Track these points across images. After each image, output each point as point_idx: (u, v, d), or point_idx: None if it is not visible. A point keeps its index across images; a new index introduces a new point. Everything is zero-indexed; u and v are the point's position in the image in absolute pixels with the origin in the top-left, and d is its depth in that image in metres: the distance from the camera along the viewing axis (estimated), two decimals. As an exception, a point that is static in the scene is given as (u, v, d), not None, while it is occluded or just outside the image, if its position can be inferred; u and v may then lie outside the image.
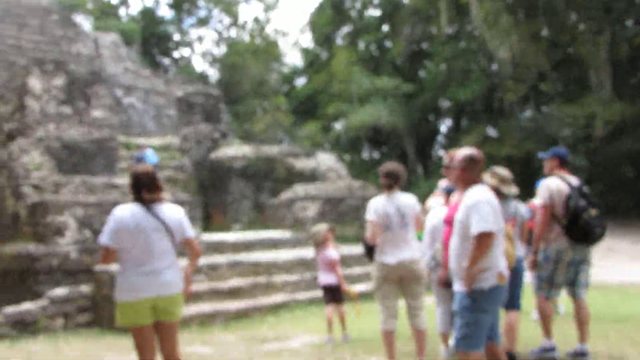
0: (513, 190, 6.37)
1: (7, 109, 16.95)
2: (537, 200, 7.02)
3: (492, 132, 35.38)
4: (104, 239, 4.89)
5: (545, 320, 6.86)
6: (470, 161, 4.86)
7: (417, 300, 6.41)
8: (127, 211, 4.90)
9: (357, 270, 12.91)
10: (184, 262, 5.26)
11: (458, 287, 4.71)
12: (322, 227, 8.94)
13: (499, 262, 4.66)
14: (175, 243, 4.99)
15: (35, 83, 16.22)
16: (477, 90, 34.66)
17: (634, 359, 6.67)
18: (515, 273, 5.91)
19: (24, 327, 9.81)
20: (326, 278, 8.62)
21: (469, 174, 4.85)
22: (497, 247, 4.63)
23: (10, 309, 9.89)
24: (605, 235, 6.78)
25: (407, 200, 6.35)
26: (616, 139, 27.85)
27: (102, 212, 11.75)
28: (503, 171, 6.40)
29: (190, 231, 5.13)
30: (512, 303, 6.19)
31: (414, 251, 6.31)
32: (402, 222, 6.21)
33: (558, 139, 28.98)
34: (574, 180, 6.81)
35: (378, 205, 6.30)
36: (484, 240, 4.45)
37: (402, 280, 6.34)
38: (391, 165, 6.49)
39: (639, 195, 28.14)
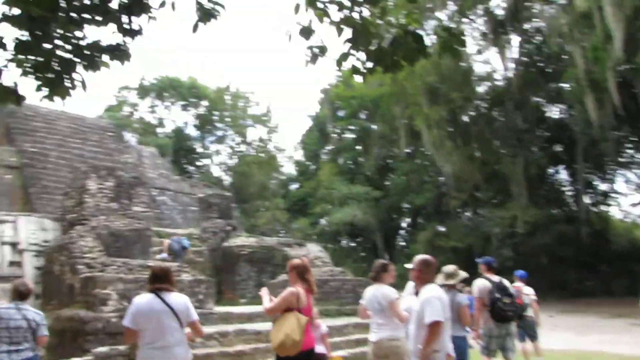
0: (458, 278, 6.66)
1: (70, 203, 16.96)
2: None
3: (441, 228, 35.57)
4: (125, 321, 4.78)
5: None
6: (424, 264, 4.93)
7: None
8: (144, 299, 4.78)
9: (336, 338, 12.66)
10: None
11: None
12: (314, 310, 8.62)
13: (447, 345, 4.64)
14: (182, 324, 4.80)
15: (92, 184, 16.35)
16: (429, 197, 35.37)
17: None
18: (460, 349, 5.98)
19: (74, 378, 9.52)
20: (317, 348, 8.22)
21: (423, 275, 4.88)
22: (445, 332, 4.62)
23: (63, 363, 9.63)
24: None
25: (384, 290, 6.13)
26: (533, 235, 28.36)
27: (137, 287, 11.60)
28: (448, 269, 6.75)
29: (195, 315, 4.95)
30: None
31: (391, 331, 5.93)
32: (379, 307, 6.05)
33: (491, 235, 29.40)
34: (496, 279, 7.89)
35: (366, 292, 6.33)
36: (435, 328, 4.47)
37: (387, 357, 5.97)
38: (377, 263, 6.50)
39: (552, 277, 28.29)
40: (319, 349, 7.90)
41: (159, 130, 48.26)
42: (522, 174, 29.37)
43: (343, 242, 44.92)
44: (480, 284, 7.83)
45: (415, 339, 4.72)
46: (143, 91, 47.09)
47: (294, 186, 51.68)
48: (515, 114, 31.06)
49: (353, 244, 44.82)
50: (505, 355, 7.66)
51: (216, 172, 49.92)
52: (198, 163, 50.69)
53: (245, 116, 49.88)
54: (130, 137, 41.59)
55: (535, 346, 10.46)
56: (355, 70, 5.31)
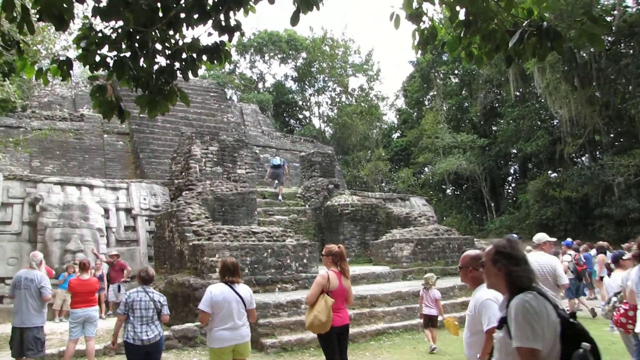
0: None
1: (177, 168, 17.74)
2: None
3: (553, 176, 33.48)
4: (202, 306, 5.82)
5: None
6: (475, 262, 4.25)
7: None
8: (218, 289, 5.89)
9: (442, 302, 12.40)
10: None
11: None
12: (432, 275, 9.88)
13: None
14: (246, 310, 5.99)
15: (196, 150, 16.91)
16: (540, 143, 33.11)
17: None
18: None
19: (187, 340, 10.08)
20: (429, 310, 9.53)
21: (471, 274, 4.31)
22: None
23: (177, 327, 10.20)
24: None
25: None
26: (662, 185, 25.78)
27: (243, 253, 11.97)
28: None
29: (254, 304, 6.12)
30: None
31: None
32: None
33: (612, 185, 27.13)
34: None
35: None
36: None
37: None
38: None
39: (681, 230, 25.74)
40: (432, 311, 9.46)
41: (259, 85, 49.11)
42: (653, 115, 26.51)
43: (447, 191, 43.87)
44: None
45: (469, 344, 4.21)
46: (243, 47, 47.80)
47: (396, 135, 50.86)
48: (649, 47, 27.73)
49: (458, 193, 43.60)
50: None
51: (317, 124, 50.26)
52: (299, 116, 51.23)
53: (345, 65, 49.28)
54: (232, 95, 42.80)
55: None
56: (470, 55, 4.85)
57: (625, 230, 25.64)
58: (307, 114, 51.49)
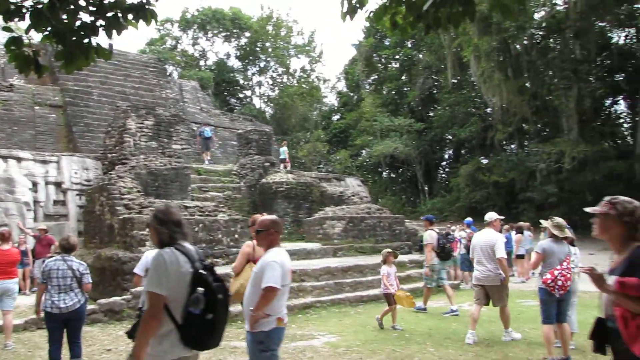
0: (568, 234, 6.90)
1: (111, 142, 17.25)
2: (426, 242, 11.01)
3: (484, 162, 34.77)
4: (137, 270, 6.22)
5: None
6: (278, 225, 4.62)
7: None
8: (152, 254, 5.50)
9: (369, 277, 12.75)
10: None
11: (247, 327, 4.40)
12: (385, 251, 9.59)
13: (280, 310, 4.42)
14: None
15: (131, 124, 16.49)
16: (474, 130, 34.33)
17: None
18: None
19: (113, 314, 9.93)
20: (384, 288, 9.21)
21: (274, 237, 4.57)
22: (280, 298, 4.40)
23: (103, 300, 10.04)
24: None
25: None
26: (580, 172, 27.20)
27: (175, 228, 11.87)
28: (560, 220, 6.82)
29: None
30: None
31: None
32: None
33: (535, 170, 28.49)
34: (437, 230, 11.54)
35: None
36: (269, 293, 4.25)
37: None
38: None
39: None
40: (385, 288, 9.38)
41: (201, 63, 48.05)
42: (575, 107, 27.97)
43: (383, 174, 44.65)
44: (432, 234, 10.98)
45: (249, 300, 4.44)
46: (186, 23, 46.48)
47: (335, 117, 51.14)
48: (574, 43, 29.11)
49: (393, 176, 44.49)
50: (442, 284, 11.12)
51: (257, 104, 49.81)
52: (240, 95, 50.56)
53: (288, 46, 48.91)
54: (173, 71, 41.75)
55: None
56: (395, 25, 4.99)
57: (544, 213, 26.96)
58: (248, 93, 50.87)
